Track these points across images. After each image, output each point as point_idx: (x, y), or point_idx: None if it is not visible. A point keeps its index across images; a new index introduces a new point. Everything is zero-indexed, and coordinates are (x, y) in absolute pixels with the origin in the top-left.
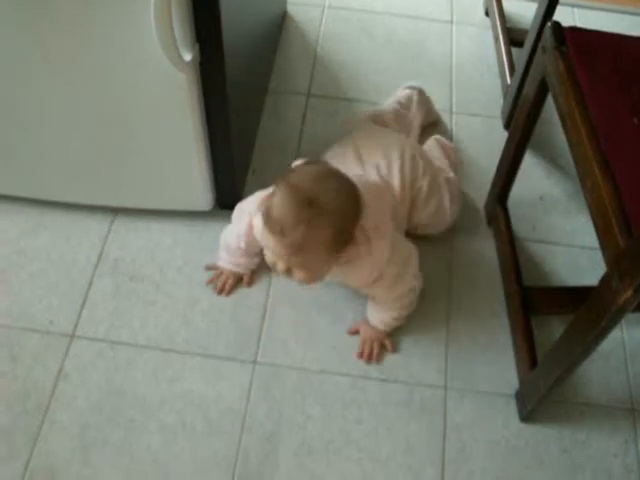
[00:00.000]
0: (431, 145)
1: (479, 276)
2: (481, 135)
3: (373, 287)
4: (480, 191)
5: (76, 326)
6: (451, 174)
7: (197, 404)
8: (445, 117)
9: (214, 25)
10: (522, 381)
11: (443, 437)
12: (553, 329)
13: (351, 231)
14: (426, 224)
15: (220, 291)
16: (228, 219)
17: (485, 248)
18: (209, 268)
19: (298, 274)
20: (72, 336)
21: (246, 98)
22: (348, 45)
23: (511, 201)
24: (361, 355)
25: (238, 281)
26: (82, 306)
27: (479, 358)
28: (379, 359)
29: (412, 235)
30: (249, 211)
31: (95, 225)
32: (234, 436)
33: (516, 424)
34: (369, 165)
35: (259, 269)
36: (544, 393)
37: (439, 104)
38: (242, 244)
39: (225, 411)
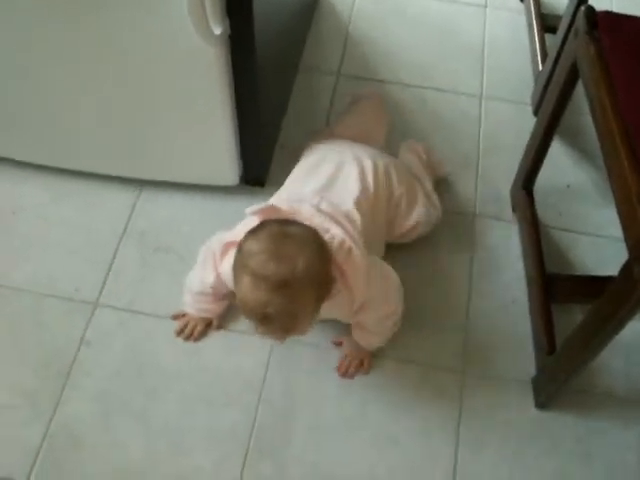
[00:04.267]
0: (402, 152)
1: (501, 261)
2: (510, 120)
3: (357, 316)
4: (506, 176)
5: (100, 294)
6: (426, 179)
7: (215, 376)
8: (474, 101)
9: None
10: (539, 368)
11: (458, 420)
12: (574, 317)
13: (329, 276)
14: (413, 227)
15: (187, 338)
16: (253, 195)
17: (509, 234)
18: (175, 318)
19: (285, 335)
20: (96, 304)
21: (275, 74)
22: (380, 25)
23: (538, 188)
24: (339, 369)
25: (208, 326)
26: (106, 275)
27: (497, 343)
28: (353, 377)
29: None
30: (214, 253)
31: (122, 196)
32: (250, 409)
33: (532, 411)
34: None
35: None
36: (561, 380)
37: (469, 87)
38: (209, 289)
39: (243, 385)
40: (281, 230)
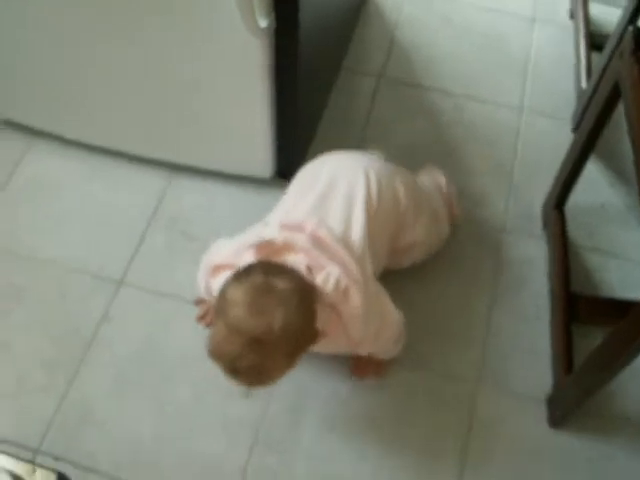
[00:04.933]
0: (422, 174)
1: (527, 277)
2: (548, 136)
3: (357, 348)
4: (539, 192)
5: (125, 274)
6: (439, 204)
7: None
8: (513, 114)
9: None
10: (556, 386)
11: (468, 429)
12: (594, 340)
13: (310, 332)
14: (414, 243)
15: (207, 325)
16: (285, 189)
17: (537, 250)
18: (197, 303)
19: (259, 387)
20: (120, 283)
21: (317, 71)
22: (427, 32)
23: (570, 206)
24: (354, 370)
25: None
26: (133, 256)
27: (516, 358)
28: (365, 379)
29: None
30: (206, 270)
31: (155, 180)
32: (263, 402)
33: (544, 428)
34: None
35: None
36: (576, 400)
37: (510, 100)
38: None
39: None
40: (265, 282)
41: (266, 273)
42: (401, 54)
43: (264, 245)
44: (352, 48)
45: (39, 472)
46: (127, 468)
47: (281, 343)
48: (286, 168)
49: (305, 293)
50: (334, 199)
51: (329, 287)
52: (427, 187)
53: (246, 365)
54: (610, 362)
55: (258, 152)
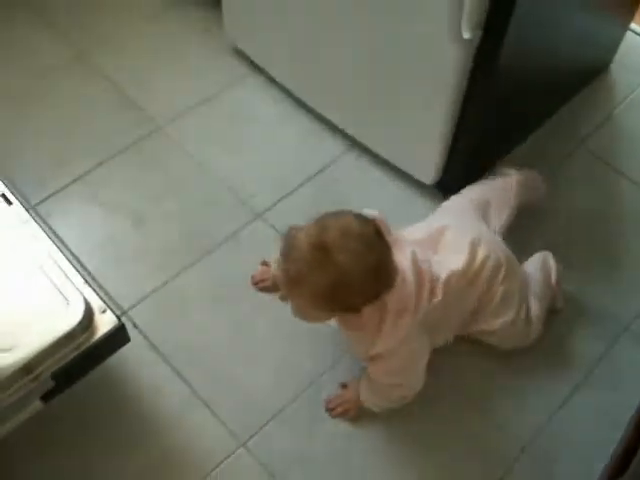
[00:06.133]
0: (535, 259)
1: (620, 382)
2: None
3: (369, 363)
4: None
5: (266, 211)
6: (538, 294)
7: (308, 328)
8: None
9: (500, 25)
10: None
11: None
12: None
13: (350, 300)
14: (490, 332)
15: (254, 284)
16: (438, 201)
17: None
18: (263, 264)
19: (291, 303)
20: (259, 216)
21: (513, 104)
22: None
23: None
24: (328, 403)
25: (276, 289)
26: (281, 199)
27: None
28: (336, 417)
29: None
30: None
31: (333, 147)
32: (327, 362)
33: None
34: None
35: None
36: None
37: None
38: None
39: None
40: (369, 236)
41: (374, 230)
42: (612, 131)
43: (380, 220)
44: (567, 104)
45: (108, 315)
46: (188, 366)
47: (332, 273)
48: (449, 182)
49: (384, 271)
50: (440, 248)
51: (396, 294)
52: (533, 274)
53: (294, 262)
54: None
55: (428, 156)
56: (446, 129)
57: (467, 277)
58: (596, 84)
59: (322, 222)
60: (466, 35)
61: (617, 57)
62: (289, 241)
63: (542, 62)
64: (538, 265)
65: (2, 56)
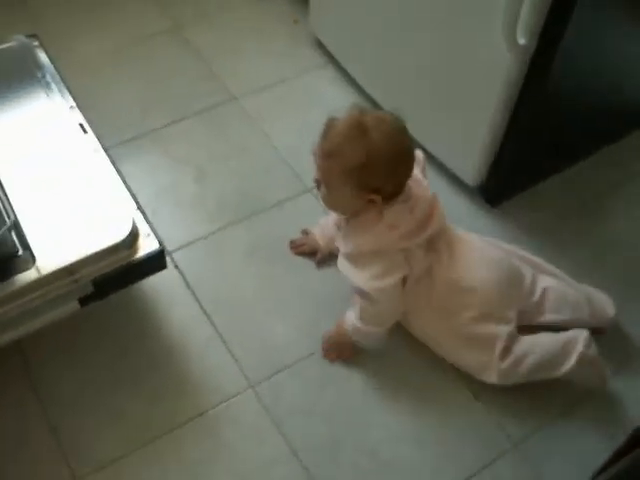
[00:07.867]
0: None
1: None
2: None
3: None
4: None
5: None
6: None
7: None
8: None
9: (555, 35)
10: None
11: None
12: None
13: (374, 181)
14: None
15: (292, 249)
16: (478, 208)
17: None
18: (304, 232)
19: (322, 189)
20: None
21: (567, 123)
22: None
23: None
24: (323, 345)
25: (313, 254)
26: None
27: None
28: (334, 361)
29: None
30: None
31: None
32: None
33: None
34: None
35: None
36: None
37: None
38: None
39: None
40: (405, 140)
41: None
42: None
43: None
44: (623, 140)
45: (151, 239)
46: (217, 311)
47: (366, 150)
48: (491, 189)
49: (408, 154)
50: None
51: (401, 203)
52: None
53: (333, 138)
54: None
55: (473, 158)
56: (494, 132)
57: (460, 285)
58: None
59: (361, 109)
60: (521, 40)
61: None
62: (329, 124)
63: (597, 87)
64: (584, 365)
65: (113, 19)
